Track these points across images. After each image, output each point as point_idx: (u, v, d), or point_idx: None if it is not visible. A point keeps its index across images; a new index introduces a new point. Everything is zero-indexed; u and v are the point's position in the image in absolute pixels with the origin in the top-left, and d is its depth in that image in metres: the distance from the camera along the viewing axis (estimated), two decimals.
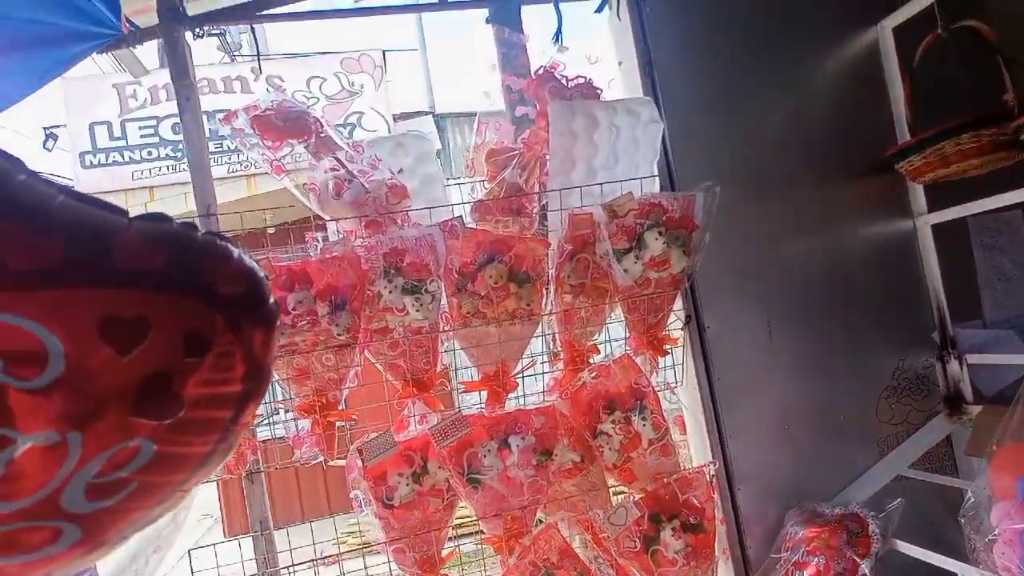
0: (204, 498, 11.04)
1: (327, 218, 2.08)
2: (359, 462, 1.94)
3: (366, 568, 2.06)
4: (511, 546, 2.04)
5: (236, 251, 0.72)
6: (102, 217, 0.64)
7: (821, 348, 2.26)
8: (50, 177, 0.62)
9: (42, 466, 0.60)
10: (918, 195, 2.34)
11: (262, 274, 0.75)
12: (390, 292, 1.96)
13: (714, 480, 2.16)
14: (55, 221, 0.61)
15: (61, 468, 0.60)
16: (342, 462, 2.13)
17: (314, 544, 2.06)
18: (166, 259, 0.65)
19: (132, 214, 0.65)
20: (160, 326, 0.64)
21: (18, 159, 0.61)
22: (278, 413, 2.41)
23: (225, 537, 1.89)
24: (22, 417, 0.59)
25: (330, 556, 2.05)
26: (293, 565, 1.95)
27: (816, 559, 1.94)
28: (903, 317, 2.33)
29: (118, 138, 6.97)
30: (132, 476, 0.65)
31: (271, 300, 0.75)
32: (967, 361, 2.27)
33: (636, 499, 2.08)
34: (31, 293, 0.58)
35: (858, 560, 1.90)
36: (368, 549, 2.07)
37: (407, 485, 1.98)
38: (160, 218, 0.68)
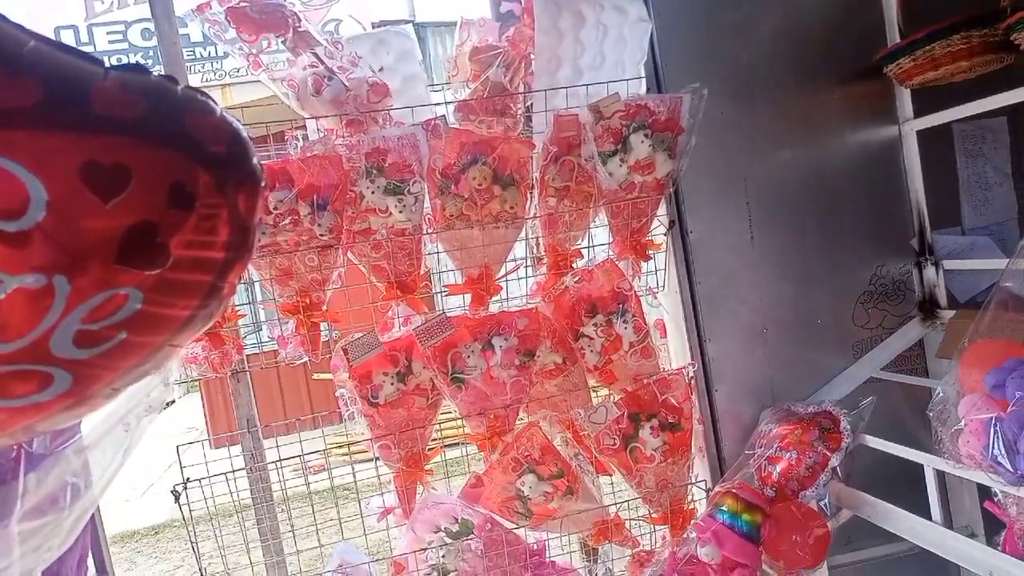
0: (188, 410, 11.25)
1: (306, 117, 2.04)
2: (345, 361, 1.96)
3: (354, 473, 2.11)
4: (494, 443, 2.09)
5: (218, 108, 0.71)
6: (78, 64, 0.62)
7: (802, 253, 2.28)
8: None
9: (29, 309, 0.60)
10: (905, 101, 2.33)
11: (245, 134, 0.73)
12: (372, 193, 1.94)
13: (692, 381, 2.21)
14: (29, 63, 0.59)
15: (48, 312, 0.60)
16: (326, 375, 2.16)
17: (300, 442, 2.10)
18: (146, 108, 0.64)
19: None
20: (142, 175, 0.63)
21: None
22: (262, 328, 2.41)
23: (211, 448, 1.95)
24: (5, 260, 0.58)
25: (316, 452, 2.09)
26: (280, 460, 1.99)
27: (788, 454, 2.01)
28: (883, 223, 2.35)
29: (85, 44, 6.69)
30: (119, 326, 0.65)
31: (255, 160, 0.74)
32: (943, 267, 2.31)
33: (616, 399, 2.13)
34: (8, 133, 0.57)
35: (829, 454, 1.97)
36: (356, 456, 2.12)
37: (392, 384, 2.01)
38: (139, 68, 0.65)
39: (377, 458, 2.10)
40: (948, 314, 2.29)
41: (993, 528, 2.03)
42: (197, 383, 10.12)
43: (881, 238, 2.35)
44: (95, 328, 0.64)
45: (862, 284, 2.34)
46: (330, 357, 2.03)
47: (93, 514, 1.62)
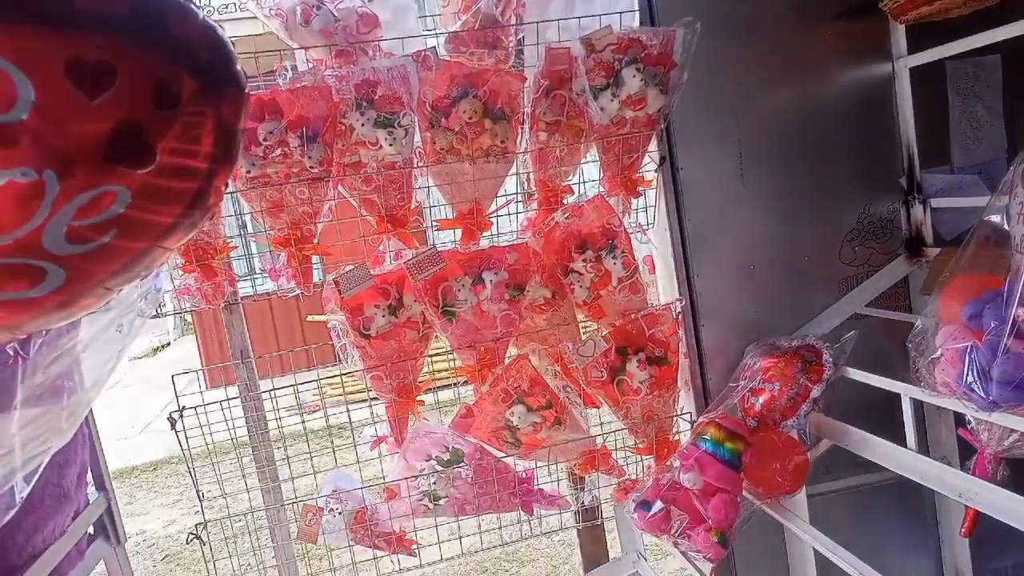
0: (184, 353, 11.37)
1: (295, 47, 2.02)
2: (336, 293, 1.98)
3: (349, 411, 2.16)
4: (484, 375, 2.13)
5: (201, 13, 0.71)
6: None
7: (791, 190, 2.29)
8: None
9: (21, 203, 0.62)
10: (899, 37, 2.31)
11: (228, 40, 0.74)
12: (362, 125, 1.93)
13: (680, 316, 2.24)
14: None
15: (40, 207, 0.62)
16: (320, 317, 2.19)
17: (295, 375, 2.14)
18: (127, 6, 0.64)
19: None
20: (126, 73, 0.64)
21: None
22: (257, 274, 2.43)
23: (207, 387, 1.99)
24: None
25: (310, 382, 2.13)
26: (274, 389, 2.04)
27: (771, 386, 2.06)
28: (873, 162, 2.35)
29: None
30: (109, 225, 0.67)
31: (238, 66, 0.75)
32: (931, 205, 2.33)
33: (604, 333, 2.17)
34: None
35: (810, 386, 2.01)
36: (350, 397, 2.15)
37: (383, 317, 2.04)
38: None
39: (372, 399, 2.15)
40: (934, 252, 2.32)
41: (968, 459, 2.10)
42: (192, 325, 10.22)
43: (870, 176, 2.36)
44: (86, 225, 0.65)
45: (850, 222, 2.36)
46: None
47: (91, 434, 1.66)
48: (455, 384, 2.29)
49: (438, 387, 2.38)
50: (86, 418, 1.56)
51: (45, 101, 0.60)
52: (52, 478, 1.35)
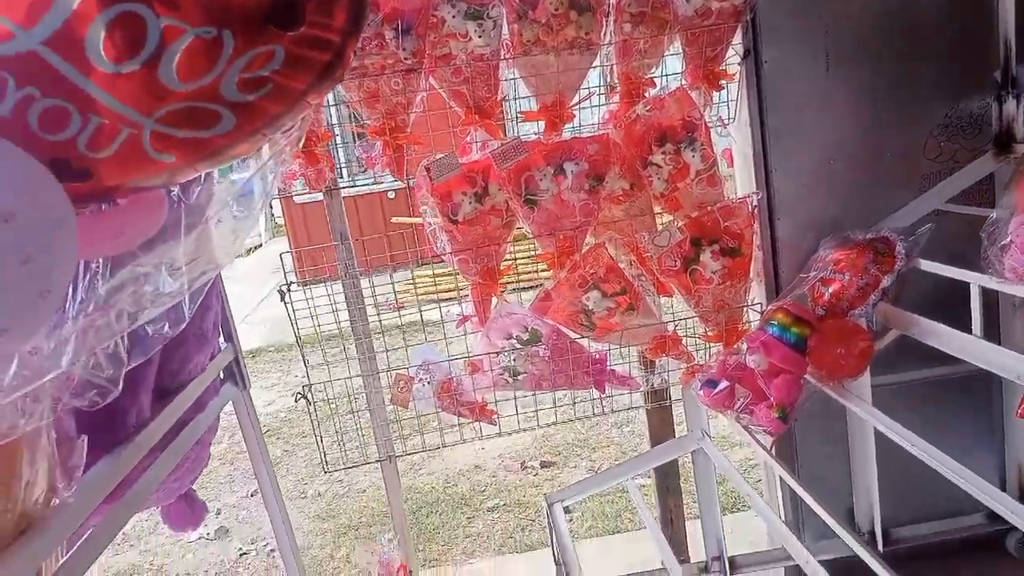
0: (274, 254, 12.02)
1: None
2: (427, 179, 2.13)
3: (440, 309, 2.34)
4: (562, 262, 2.26)
5: None
6: None
7: (877, 85, 2.26)
8: None
9: (205, 55, 0.76)
10: None
11: None
12: (453, 17, 2.02)
13: (755, 210, 2.30)
14: None
15: (219, 59, 0.76)
16: (404, 219, 2.34)
17: (392, 275, 2.32)
18: None
19: None
20: None
21: None
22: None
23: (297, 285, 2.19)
24: (187, 12, 0.74)
25: (403, 253, 2.30)
26: (370, 269, 2.22)
27: (842, 276, 2.11)
28: (967, 55, 2.28)
29: None
30: (265, 80, 0.81)
31: None
32: None
33: (680, 224, 2.25)
34: None
35: (881, 276, 2.06)
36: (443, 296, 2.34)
37: (470, 203, 2.18)
38: None
39: (461, 299, 2.32)
40: (1022, 148, 2.27)
41: None
42: (284, 228, 10.77)
43: (963, 70, 2.30)
44: (249, 78, 0.80)
45: (937, 117, 2.32)
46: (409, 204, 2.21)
47: (222, 291, 1.90)
48: (537, 286, 2.42)
49: (522, 287, 2.53)
50: (217, 278, 1.79)
51: None
52: (196, 321, 1.59)
